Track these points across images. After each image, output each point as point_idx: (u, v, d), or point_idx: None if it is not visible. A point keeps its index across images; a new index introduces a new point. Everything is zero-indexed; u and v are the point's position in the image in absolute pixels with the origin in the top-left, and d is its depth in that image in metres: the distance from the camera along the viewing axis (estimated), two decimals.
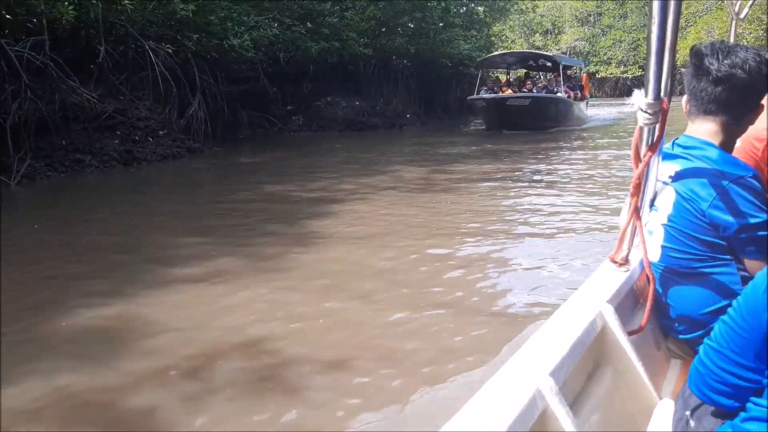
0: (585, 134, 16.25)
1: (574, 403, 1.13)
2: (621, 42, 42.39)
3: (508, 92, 16.88)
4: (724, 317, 1.02)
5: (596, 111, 26.48)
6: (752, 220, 1.35)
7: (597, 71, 43.67)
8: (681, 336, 1.55)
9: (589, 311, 1.30)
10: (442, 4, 20.33)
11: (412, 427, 2.27)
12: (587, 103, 21.47)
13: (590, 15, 45.30)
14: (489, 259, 4.41)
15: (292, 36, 16.83)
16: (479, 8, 30.28)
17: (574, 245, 4.68)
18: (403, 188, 7.49)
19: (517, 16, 38.18)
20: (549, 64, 19.50)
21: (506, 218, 5.91)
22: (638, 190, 1.44)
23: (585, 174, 8.56)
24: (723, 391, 1.00)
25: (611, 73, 42.95)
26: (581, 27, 45.44)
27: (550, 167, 9.41)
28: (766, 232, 1.35)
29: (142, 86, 12.05)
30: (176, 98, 12.43)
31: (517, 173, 8.71)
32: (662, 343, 1.63)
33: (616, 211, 5.92)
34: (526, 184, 7.86)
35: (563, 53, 46.73)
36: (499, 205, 6.56)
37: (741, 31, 29.11)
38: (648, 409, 1.35)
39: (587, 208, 6.08)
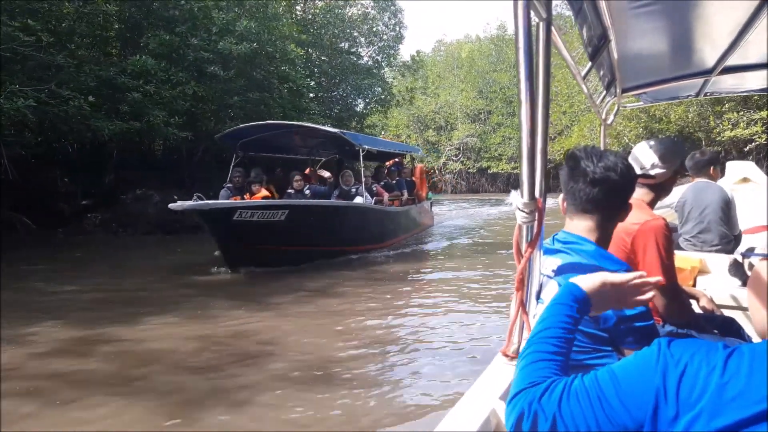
0: (395, 259, 10.14)
1: None
2: (510, 139, 42.36)
3: (263, 194, 9.31)
4: None
5: (467, 210, 23.51)
6: (628, 312, 1.39)
7: (489, 167, 43.39)
8: None
9: (483, 410, 1.31)
10: (289, 85, 17.15)
11: None
12: (431, 204, 15.81)
13: (480, 113, 45.46)
14: None
15: (74, 112, 12.83)
16: (358, 100, 28.17)
17: None
18: None
19: (402, 108, 36.72)
20: (374, 150, 11.47)
21: None
22: (522, 284, 1.48)
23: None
24: None
25: (502, 169, 42.54)
26: (472, 124, 45.40)
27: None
28: (642, 323, 1.41)
29: None
30: None
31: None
32: None
33: None
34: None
35: (457, 149, 46.07)
36: None
37: (622, 128, 28.77)
38: None
39: None
